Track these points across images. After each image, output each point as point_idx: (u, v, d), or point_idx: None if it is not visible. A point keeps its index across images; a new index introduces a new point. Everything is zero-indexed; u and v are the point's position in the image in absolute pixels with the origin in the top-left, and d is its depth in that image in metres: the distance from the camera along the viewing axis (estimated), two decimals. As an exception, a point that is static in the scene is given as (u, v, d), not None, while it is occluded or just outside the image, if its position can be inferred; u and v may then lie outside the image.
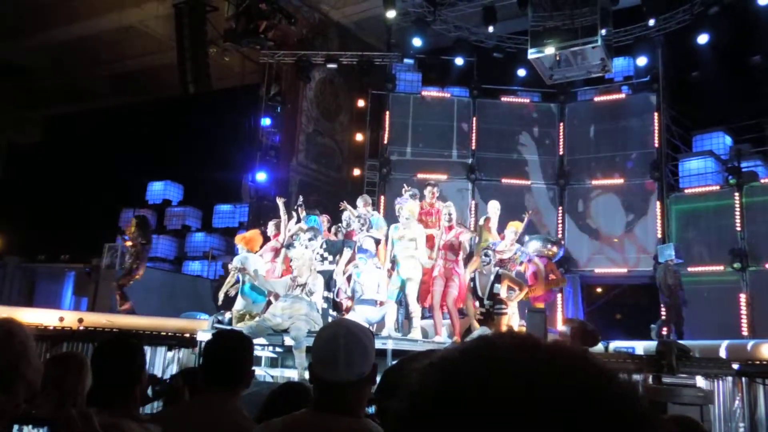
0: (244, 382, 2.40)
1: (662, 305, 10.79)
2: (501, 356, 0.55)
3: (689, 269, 12.47)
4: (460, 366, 0.55)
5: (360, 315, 7.71)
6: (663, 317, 10.69)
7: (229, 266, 8.64)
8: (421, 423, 0.53)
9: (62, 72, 19.72)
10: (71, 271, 14.93)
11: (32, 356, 2.07)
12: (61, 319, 8.92)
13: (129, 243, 11.09)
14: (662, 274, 10.72)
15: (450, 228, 8.52)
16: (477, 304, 8.24)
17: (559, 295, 13.17)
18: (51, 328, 8.71)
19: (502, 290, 8.13)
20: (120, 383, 2.29)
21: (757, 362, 7.57)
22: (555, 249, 10.03)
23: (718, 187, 12.61)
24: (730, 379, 7.55)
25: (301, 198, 9.57)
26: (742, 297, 11.50)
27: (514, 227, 9.16)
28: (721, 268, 11.94)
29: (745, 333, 11.07)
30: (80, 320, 9.00)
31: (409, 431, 0.54)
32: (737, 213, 11.92)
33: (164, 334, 9.10)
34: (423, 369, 0.57)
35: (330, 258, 8.40)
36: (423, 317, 8.63)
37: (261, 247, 9.15)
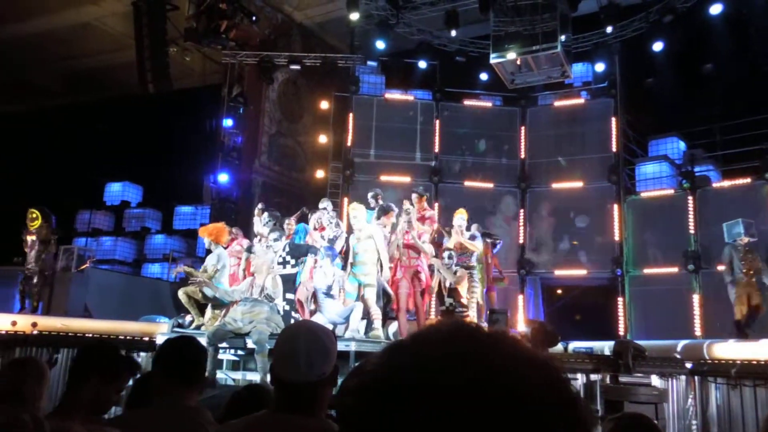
0: (199, 386, 2.35)
1: (730, 295, 9.01)
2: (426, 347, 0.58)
3: (644, 271, 12.81)
4: (398, 356, 0.59)
5: (327, 315, 7.70)
6: (743, 311, 8.80)
7: (196, 273, 8.46)
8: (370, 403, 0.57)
9: (16, 69, 19.14)
10: (24, 274, 14.48)
11: None
12: (14, 324, 8.66)
13: (33, 237, 10.72)
14: (729, 255, 9.03)
15: (408, 231, 8.58)
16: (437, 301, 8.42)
17: (520, 297, 13.38)
18: (3, 332, 8.45)
19: (462, 289, 8.25)
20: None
21: (709, 361, 7.81)
22: (490, 241, 10.13)
23: (672, 191, 12.98)
24: (683, 377, 7.77)
25: (261, 204, 9.60)
26: (695, 298, 11.84)
27: (461, 214, 9.24)
28: (676, 269, 12.27)
29: (698, 333, 11.40)
30: (34, 324, 8.75)
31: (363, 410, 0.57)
32: (690, 216, 12.28)
33: (122, 337, 8.92)
34: (379, 353, 0.61)
35: (292, 262, 8.38)
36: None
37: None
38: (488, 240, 10.12)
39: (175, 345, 2.45)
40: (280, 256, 8.29)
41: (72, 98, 19.86)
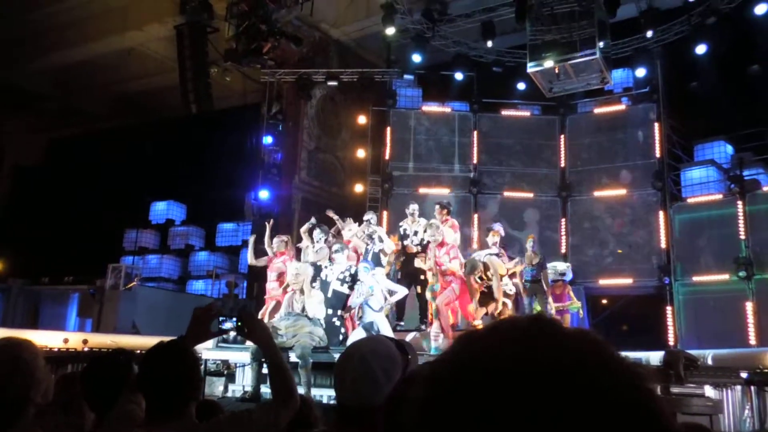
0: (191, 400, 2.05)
1: None
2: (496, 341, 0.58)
3: (693, 278, 12.44)
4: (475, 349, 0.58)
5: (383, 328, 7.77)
6: None
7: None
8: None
9: (65, 95, 19.87)
10: (75, 293, 14.95)
11: (41, 377, 2.04)
12: (66, 341, 8.92)
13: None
14: None
15: (441, 244, 8.60)
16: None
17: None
18: (56, 349, 8.70)
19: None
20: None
21: (766, 370, 7.51)
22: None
23: (720, 196, 12.60)
24: (738, 387, 7.50)
25: (314, 219, 9.60)
26: (749, 305, 11.44)
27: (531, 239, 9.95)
28: (726, 276, 11.89)
29: (752, 342, 11.00)
30: (85, 341, 9.00)
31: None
32: (741, 221, 11.89)
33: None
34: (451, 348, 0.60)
35: (350, 282, 8.37)
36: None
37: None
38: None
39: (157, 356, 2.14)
40: (342, 273, 8.31)
41: (118, 121, 20.50)
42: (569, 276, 10.21)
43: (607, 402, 0.52)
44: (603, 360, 0.55)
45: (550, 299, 9.77)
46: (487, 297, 8.63)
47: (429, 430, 0.55)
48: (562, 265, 10.23)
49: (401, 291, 8.44)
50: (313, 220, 9.57)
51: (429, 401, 0.56)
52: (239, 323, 2.39)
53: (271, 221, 10.06)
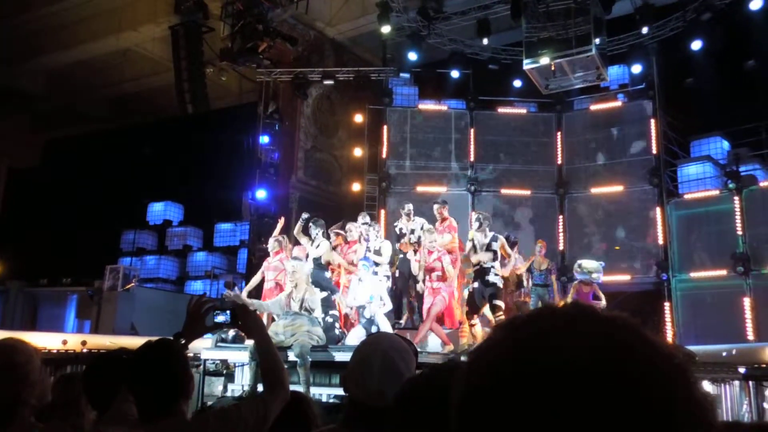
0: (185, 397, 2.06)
1: None
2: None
3: (691, 274, 12.47)
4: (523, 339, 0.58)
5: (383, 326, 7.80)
6: None
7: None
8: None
9: (61, 96, 19.84)
10: (73, 295, 14.95)
11: (35, 378, 2.04)
12: (65, 342, 8.92)
13: None
14: None
15: (430, 251, 8.64)
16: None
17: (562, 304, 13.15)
18: (54, 351, 8.69)
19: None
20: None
21: (764, 366, 7.54)
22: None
23: (717, 192, 12.62)
24: (737, 383, 7.52)
25: (304, 215, 9.54)
26: (746, 301, 11.47)
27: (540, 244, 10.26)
28: (724, 272, 11.92)
29: (750, 337, 11.03)
30: (83, 343, 9.00)
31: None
32: (738, 217, 11.92)
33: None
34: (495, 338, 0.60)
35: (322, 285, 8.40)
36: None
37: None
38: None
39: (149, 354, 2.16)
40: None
41: (115, 122, 20.47)
42: (600, 278, 9.87)
43: (649, 392, 0.53)
44: (645, 350, 0.56)
45: (556, 300, 9.81)
46: (474, 300, 8.63)
47: (474, 417, 0.55)
48: (595, 272, 9.64)
49: (388, 305, 8.43)
50: (304, 215, 9.48)
51: (475, 389, 0.57)
52: (233, 316, 2.41)
53: (282, 219, 10.13)
